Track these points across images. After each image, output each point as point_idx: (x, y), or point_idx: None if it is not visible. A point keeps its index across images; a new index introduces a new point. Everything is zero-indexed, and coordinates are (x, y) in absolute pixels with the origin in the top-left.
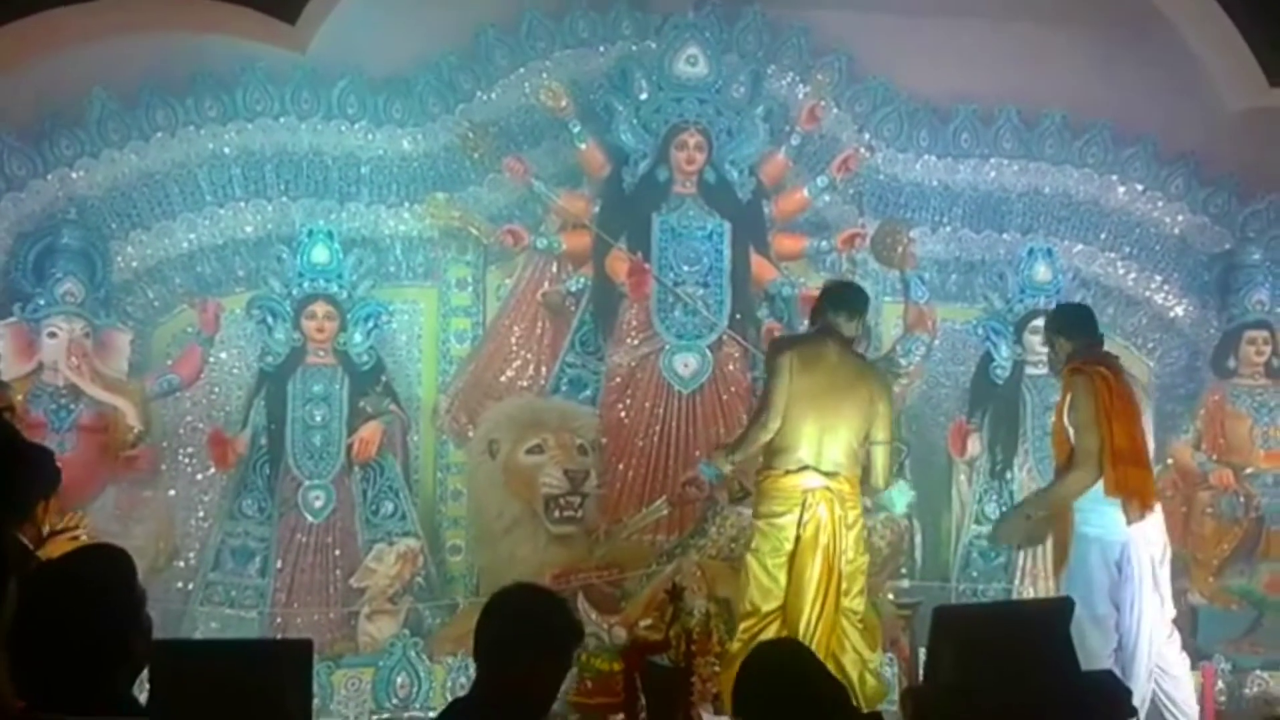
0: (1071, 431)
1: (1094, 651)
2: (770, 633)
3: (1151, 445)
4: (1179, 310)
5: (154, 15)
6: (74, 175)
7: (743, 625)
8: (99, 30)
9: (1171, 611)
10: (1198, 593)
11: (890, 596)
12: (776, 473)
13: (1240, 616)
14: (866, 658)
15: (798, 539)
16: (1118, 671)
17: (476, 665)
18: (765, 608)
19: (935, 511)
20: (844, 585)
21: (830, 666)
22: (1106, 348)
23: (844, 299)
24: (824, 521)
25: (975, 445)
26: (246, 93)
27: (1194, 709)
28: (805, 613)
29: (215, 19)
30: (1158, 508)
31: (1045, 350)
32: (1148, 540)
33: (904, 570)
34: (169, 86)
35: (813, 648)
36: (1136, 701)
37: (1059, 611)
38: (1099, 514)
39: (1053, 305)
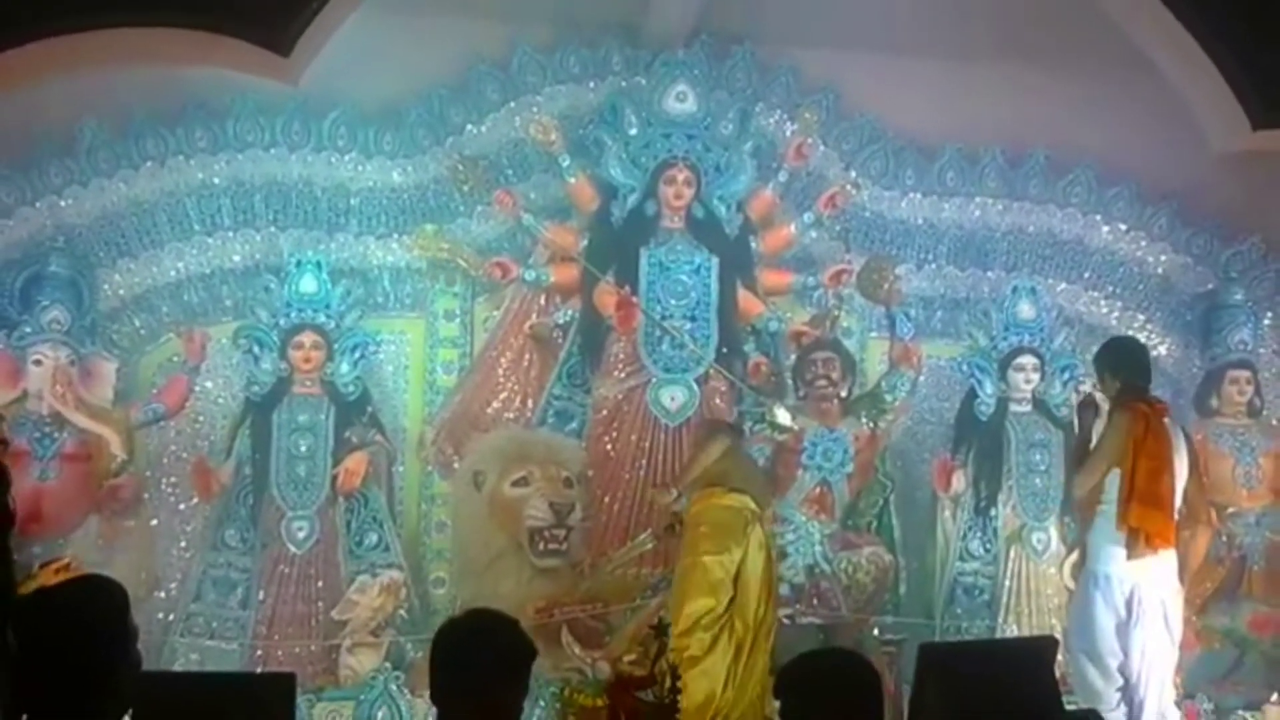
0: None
1: (1095, 690)
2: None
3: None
4: (1162, 349)
5: (146, 46)
6: (63, 203)
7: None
8: (91, 60)
9: (1175, 657)
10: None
11: (875, 633)
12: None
13: (1223, 656)
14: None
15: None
16: (1124, 713)
17: (434, 702)
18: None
19: (920, 548)
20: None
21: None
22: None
23: None
24: (762, 538)
25: (960, 481)
26: (237, 123)
27: None
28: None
29: (208, 51)
30: (1171, 551)
31: (1086, 384)
32: (1159, 582)
33: (889, 606)
34: (160, 116)
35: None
36: None
37: (1043, 650)
38: (1109, 552)
39: (1035, 343)
